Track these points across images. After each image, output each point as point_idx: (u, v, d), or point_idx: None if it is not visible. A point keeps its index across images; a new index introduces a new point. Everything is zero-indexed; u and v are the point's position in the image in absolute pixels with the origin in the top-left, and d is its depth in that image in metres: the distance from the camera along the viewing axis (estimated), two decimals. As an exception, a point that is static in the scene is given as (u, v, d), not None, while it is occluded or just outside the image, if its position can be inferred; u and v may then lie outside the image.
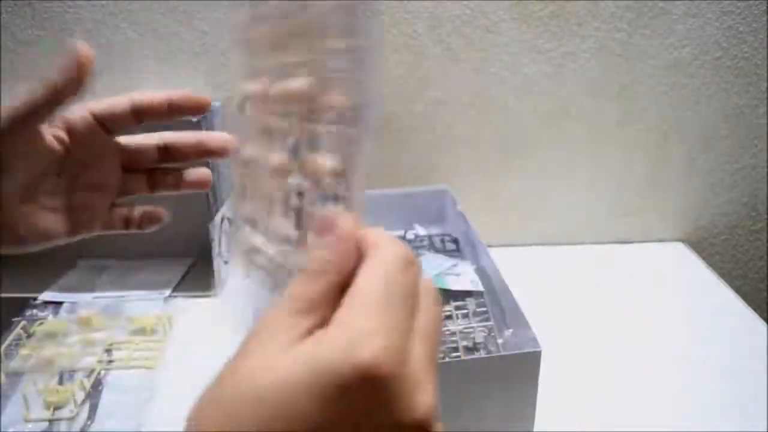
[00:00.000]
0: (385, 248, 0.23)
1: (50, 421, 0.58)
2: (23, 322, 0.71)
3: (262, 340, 0.22)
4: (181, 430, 0.22)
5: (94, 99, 0.42)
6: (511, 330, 0.54)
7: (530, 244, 0.92)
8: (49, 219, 0.37)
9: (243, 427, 0.20)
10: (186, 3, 0.77)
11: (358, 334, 0.20)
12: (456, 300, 0.59)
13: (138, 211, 0.42)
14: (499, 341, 0.53)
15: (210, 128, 0.77)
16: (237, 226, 0.30)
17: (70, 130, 0.38)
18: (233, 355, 0.22)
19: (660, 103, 0.84)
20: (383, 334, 0.21)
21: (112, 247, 0.86)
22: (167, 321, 0.71)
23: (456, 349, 0.52)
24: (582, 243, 0.92)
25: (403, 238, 0.74)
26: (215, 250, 0.78)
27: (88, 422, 0.58)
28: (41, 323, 0.71)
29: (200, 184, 0.43)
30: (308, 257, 0.23)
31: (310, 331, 0.22)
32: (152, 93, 0.41)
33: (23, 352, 0.67)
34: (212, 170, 0.45)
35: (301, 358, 0.20)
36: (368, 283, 0.22)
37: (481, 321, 0.56)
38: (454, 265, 0.64)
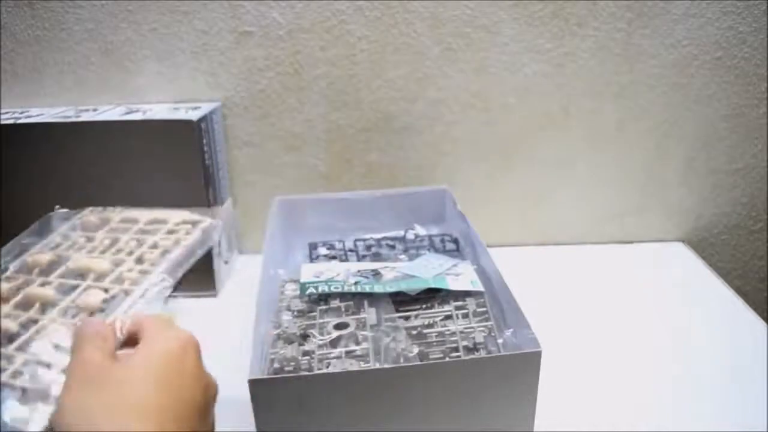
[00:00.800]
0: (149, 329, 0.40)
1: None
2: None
3: (103, 366, 0.36)
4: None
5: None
6: (511, 330, 0.54)
7: (530, 244, 0.92)
8: None
9: (149, 391, 0.35)
10: (186, 3, 0.77)
11: (173, 335, 0.39)
12: (456, 300, 0.58)
13: None
14: (499, 341, 0.53)
15: (209, 128, 0.77)
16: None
17: None
18: (84, 381, 0.35)
19: (660, 103, 0.84)
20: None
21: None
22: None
23: (456, 349, 0.52)
24: (582, 243, 0.92)
25: (403, 238, 0.74)
26: (215, 250, 0.78)
27: (88, 422, 0.58)
28: (41, 323, 0.71)
29: None
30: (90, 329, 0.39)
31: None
32: None
33: (23, 352, 0.66)
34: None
35: (148, 355, 0.37)
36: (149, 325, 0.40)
37: (481, 321, 0.56)
38: (454, 265, 0.64)
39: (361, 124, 0.84)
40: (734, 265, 0.95)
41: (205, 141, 0.75)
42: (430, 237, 0.74)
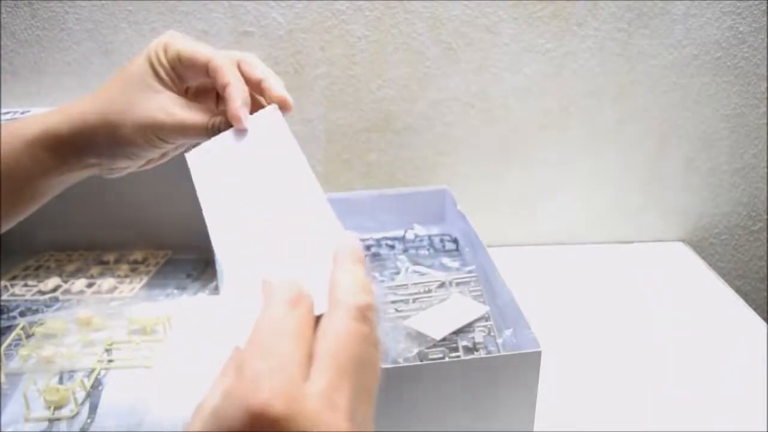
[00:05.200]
0: (272, 294, 0.25)
1: (50, 420, 0.58)
2: (23, 323, 0.71)
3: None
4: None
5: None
6: (511, 330, 0.54)
7: (530, 244, 0.92)
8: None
9: None
10: (186, 3, 0.77)
11: (250, 381, 0.22)
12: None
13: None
14: (499, 341, 0.53)
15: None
16: None
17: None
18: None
19: (660, 103, 0.84)
20: (270, 375, 0.22)
21: (112, 244, 0.86)
22: (167, 321, 0.71)
23: (456, 349, 0.52)
24: (582, 243, 0.92)
25: (403, 238, 0.74)
26: (215, 250, 0.78)
27: (88, 421, 0.58)
28: (41, 324, 0.71)
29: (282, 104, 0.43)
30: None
31: None
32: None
33: (23, 352, 0.67)
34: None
35: (211, 411, 0.23)
36: (258, 329, 0.24)
37: (481, 321, 0.56)
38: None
39: (361, 124, 0.84)
40: (734, 265, 0.95)
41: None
42: (430, 237, 0.74)
